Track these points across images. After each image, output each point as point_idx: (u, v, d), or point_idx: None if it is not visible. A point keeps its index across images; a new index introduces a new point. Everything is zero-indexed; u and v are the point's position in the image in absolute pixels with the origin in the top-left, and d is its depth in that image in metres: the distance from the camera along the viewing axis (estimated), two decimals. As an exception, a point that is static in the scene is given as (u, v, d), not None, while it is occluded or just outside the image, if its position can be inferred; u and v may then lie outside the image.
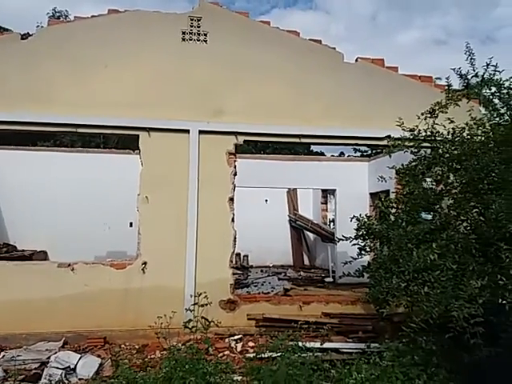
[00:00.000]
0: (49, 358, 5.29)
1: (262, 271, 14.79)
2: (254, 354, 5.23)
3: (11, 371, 4.90)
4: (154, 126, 6.57)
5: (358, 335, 6.16)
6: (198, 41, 6.85)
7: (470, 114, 5.37)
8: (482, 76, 5.44)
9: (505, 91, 5.36)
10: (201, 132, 6.69)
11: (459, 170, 4.92)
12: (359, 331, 6.25)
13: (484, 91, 5.61)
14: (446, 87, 5.52)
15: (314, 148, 25.61)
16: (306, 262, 16.62)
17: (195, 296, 6.03)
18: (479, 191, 4.59)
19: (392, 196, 6.69)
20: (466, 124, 5.29)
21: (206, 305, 5.67)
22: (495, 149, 4.79)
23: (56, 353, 5.41)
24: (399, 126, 5.22)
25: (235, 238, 6.81)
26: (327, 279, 12.63)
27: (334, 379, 4.40)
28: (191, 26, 6.83)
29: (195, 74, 6.81)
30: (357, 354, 5.15)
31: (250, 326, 6.59)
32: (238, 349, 5.94)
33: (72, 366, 5.15)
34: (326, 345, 5.51)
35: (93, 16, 6.77)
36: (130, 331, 6.25)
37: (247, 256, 15.77)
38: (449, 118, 5.29)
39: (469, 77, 6.50)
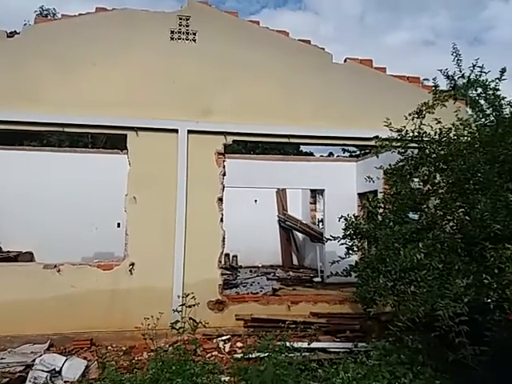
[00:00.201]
0: (34, 360, 5.20)
1: (251, 271, 14.79)
2: (242, 355, 5.21)
3: (-5, 374, 4.82)
4: (142, 126, 6.51)
5: (346, 335, 6.17)
6: (187, 40, 6.82)
7: (457, 115, 5.43)
8: (469, 77, 5.51)
9: (490, 92, 5.43)
10: (189, 132, 6.66)
11: (446, 171, 4.97)
12: (347, 331, 6.27)
13: (470, 92, 5.68)
14: (433, 88, 5.58)
15: (303, 148, 25.70)
16: (295, 261, 16.66)
17: (183, 297, 6.00)
18: (465, 191, 4.65)
19: (380, 196, 6.73)
20: (453, 124, 5.35)
21: (194, 305, 5.65)
22: (481, 149, 4.86)
23: (41, 355, 5.32)
24: (387, 126, 5.26)
25: (224, 238, 6.79)
26: (316, 279, 12.67)
27: (322, 379, 4.41)
28: (180, 25, 6.79)
29: (184, 74, 6.78)
30: (344, 354, 5.19)
31: (238, 326, 6.57)
32: (226, 349, 5.92)
33: (57, 369, 5.07)
34: (314, 344, 5.52)
35: (80, 14, 6.69)
36: (117, 333, 6.17)
37: (236, 256, 15.76)
38: (436, 119, 5.35)
39: (456, 78, 6.59)
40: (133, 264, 6.39)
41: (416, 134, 5.30)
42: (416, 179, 5.40)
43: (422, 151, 5.36)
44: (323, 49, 7.27)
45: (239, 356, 5.29)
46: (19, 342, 5.82)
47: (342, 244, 5.45)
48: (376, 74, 7.35)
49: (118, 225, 10.55)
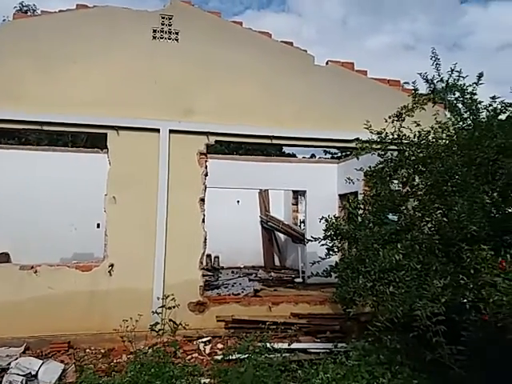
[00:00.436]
0: (9, 364, 5.10)
1: (232, 272, 14.75)
2: (222, 356, 5.20)
3: (-32, 378, 4.70)
4: (123, 125, 6.44)
5: (326, 335, 6.22)
6: (170, 39, 6.77)
7: (436, 118, 5.53)
8: (447, 81, 5.62)
9: (468, 96, 5.54)
10: (171, 131, 6.61)
11: (424, 173, 5.04)
12: (327, 331, 6.31)
13: (449, 96, 5.79)
14: (413, 91, 5.66)
15: (285, 149, 25.78)
16: (277, 262, 16.68)
17: (163, 298, 5.94)
18: (443, 193, 4.72)
19: (360, 197, 6.80)
20: (432, 127, 5.44)
21: (174, 307, 5.60)
22: (458, 152, 4.94)
23: (17, 359, 5.23)
24: (367, 128, 5.32)
25: (206, 239, 6.76)
26: (297, 279, 12.71)
27: (301, 379, 4.43)
28: (162, 25, 6.74)
29: (166, 73, 6.73)
30: (324, 354, 5.22)
31: (219, 327, 6.55)
32: (207, 351, 5.89)
33: (33, 373, 4.98)
34: (294, 345, 5.54)
35: (61, 11, 6.57)
36: (95, 335, 6.09)
37: (218, 257, 15.71)
38: (415, 122, 5.43)
39: (435, 82, 6.71)
40: (112, 265, 6.31)
41: (395, 136, 5.37)
42: (395, 181, 5.47)
43: (402, 153, 5.43)
44: (305, 51, 7.31)
45: (219, 358, 5.27)
46: (-6, 345, 5.68)
47: (323, 245, 5.49)
48: (357, 76, 7.43)
49: (98, 225, 10.38)
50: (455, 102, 5.72)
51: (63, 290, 6.16)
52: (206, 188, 6.82)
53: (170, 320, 5.59)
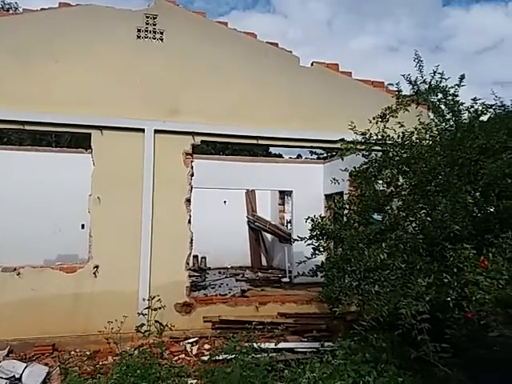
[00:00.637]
0: (-8, 367, 5.01)
1: (219, 273, 14.72)
2: (209, 357, 5.19)
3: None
4: (107, 125, 6.37)
5: (313, 334, 6.25)
6: (154, 39, 6.73)
7: (419, 119, 5.60)
8: (430, 83, 5.70)
9: (450, 98, 5.62)
10: (156, 131, 6.57)
11: (408, 173, 5.11)
12: (314, 330, 6.35)
13: (431, 97, 5.87)
14: (397, 93, 5.73)
15: (272, 150, 25.82)
16: (264, 262, 16.71)
17: (149, 299, 5.90)
18: (426, 193, 4.79)
19: (345, 197, 6.85)
20: (415, 128, 5.52)
21: (160, 308, 5.57)
22: (441, 153, 5.02)
23: (0, 362, 5.12)
24: (351, 129, 5.36)
25: (192, 239, 6.73)
26: (284, 279, 12.76)
27: (288, 379, 4.44)
28: (147, 24, 6.69)
29: (151, 72, 6.68)
30: (311, 353, 5.25)
31: (206, 328, 6.53)
32: (194, 352, 5.87)
33: (17, 376, 4.93)
34: (281, 345, 5.56)
35: (42, 9, 6.48)
36: (80, 337, 6.02)
37: (205, 258, 15.66)
38: (399, 123, 5.50)
39: (418, 83, 6.80)
40: (97, 266, 6.24)
41: (380, 137, 5.43)
42: (380, 181, 5.53)
43: (386, 154, 5.49)
44: (291, 52, 7.34)
45: (206, 358, 5.26)
46: (-25, 348, 5.58)
47: (309, 244, 5.52)
48: (342, 78, 7.49)
49: (83, 226, 10.25)
50: (438, 103, 5.81)
51: (47, 291, 6.07)
52: (192, 188, 6.79)
53: (156, 321, 5.55)
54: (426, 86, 6.24)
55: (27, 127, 6.28)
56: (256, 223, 16.28)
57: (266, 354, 4.85)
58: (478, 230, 4.39)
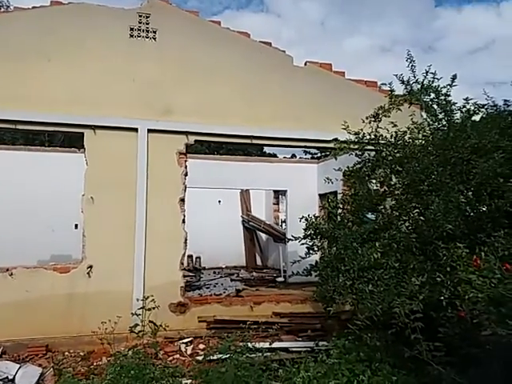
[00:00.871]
0: (-16, 369, 4.98)
1: (214, 273, 14.71)
2: (203, 357, 5.18)
3: None
4: (100, 124, 6.34)
5: (307, 334, 6.26)
6: (147, 38, 6.70)
7: (412, 119, 5.63)
8: (422, 83, 5.73)
9: (442, 98, 5.65)
10: (150, 131, 6.54)
11: (401, 172, 5.13)
12: (308, 330, 6.36)
13: (424, 97, 5.90)
14: (389, 92, 5.75)
15: (266, 149, 25.82)
16: (259, 262, 16.72)
17: (143, 300, 5.88)
18: (419, 192, 4.81)
19: (339, 197, 6.87)
20: (408, 128, 5.54)
21: (154, 308, 5.55)
22: (434, 152, 5.04)
23: (-7, 363, 5.10)
24: (344, 129, 5.37)
25: (186, 239, 6.72)
26: (279, 279, 12.76)
27: (283, 378, 4.44)
28: (140, 23, 6.67)
29: (144, 72, 6.65)
30: (305, 353, 5.26)
31: (201, 328, 6.53)
32: (189, 352, 5.87)
33: (10, 377, 4.90)
34: (276, 344, 5.56)
35: (34, 7, 6.43)
36: (74, 338, 6.00)
37: (200, 258, 15.64)
38: (392, 122, 5.52)
39: (411, 83, 6.83)
40: (91, 266, 6.21)
41: (373, 136, 5.45)
42: (373, 181, 5.55)
43: (379, 154, 5.51)
44: (284, 51, 7.34)
45: (201, 358, 5.26)
46: (-32, 350, 5.54)
47: (303, 244, 5.53)
48: (335, 77, 7.51)
49: (76, 226, 10.21)
50: (430, 103, 5.84)
51: (40, 292, 6.04)
52: (185, 188, 6.78)
53: (151, 321, 5.53)
54: (419, 86, 6.29)
55: (19, 126, 6.23)
56: (251, 223, 16.28)
57: (260, 354, 4.84)
58: (471, 229, 4.41)
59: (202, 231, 13.03)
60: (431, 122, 5.71)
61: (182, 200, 6.72)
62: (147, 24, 6.69)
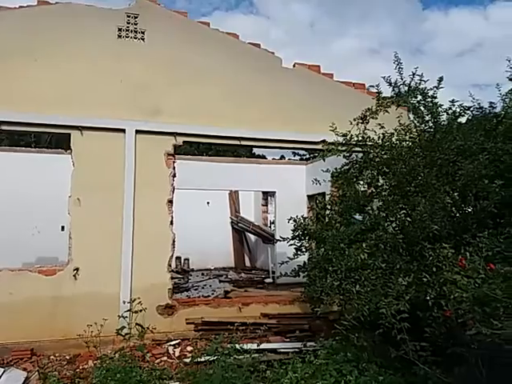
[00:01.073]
0: (-33, 373, 4.89)
1: (203, 274, 14.66)
2: (191, 359, 5.16)
3: None
4: (87, 125, 6.27)
5: (296, 334, 6.27)
6: (135, 38, 6.66)
7: (399, 121, 5.68)
8: (409, 85, 5.79)
9: (429, 100, 5.72)
10: (138, 132, 6.50)
11: (388, 174, 5.17)
12: (296, 330, 6.37)
13: (411, 99, 5.96)
14: (377, 94, 5.79)
15: (256, 151, 25.82)
16: (248, 263, 16.71)
17: (130, 302, 5.84)
18: (406, 193, 4.86)
19: (327, 198, 6.90)
20: (395, 130, 5.59)
21: (141, 310, 5.51)
22: (421, 154, 5.10)
23: (-24, 368, 5.01)
24: (332, 130, 5.40)
25: (174, 241, 6.68)
26: (267, 280, 12.78)
27: (271, 380, 4.44)
28: (128, 23, 6.62)
29: (132, 72, 6.61)
30: (293, 354, 5.25)
31: (189, 330, 6.49)
32: (176, 354, 5.82)
33: (-6, 381, 4.80)
34: (264, 345, 5.56)
35: (21, 7, 6.35)
36: (60, 341, 5.91)
37: (188, 259, 15.57)
38: (379, 124, 5.56)
39: (398, 85, 6.89)
40: (77, 269, 6.14)
41: (360, 138, 5.48)
42: (361, 182, 5.58)
43: (366, 155, 5.55)
44: (273, 53, 7.36)
45: (188, 360, 5.23)
46: (-49, 354, 5.43)
47: (291, 245, 5.54)
48: (324, 79, 7.55)
49: (63, 228, 10.08)
50: (417, 104, 5.91)
51: (25, 295, 5.95)
52: (174, 189, 6.74)
53: (138, 324, 5.50)
54: (406, 88, 6.37)
55: (4, 127, 6.13)
56: (239, 224, 16.26)
57: (248, 355, 4.84)
58: (456, 230, 4.47)
59: (191, 233, 12.96)
60: (418, 124, 5.77)
61: (170, 201, 6.69)
62: (135, 24, 6.65)
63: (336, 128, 5.44)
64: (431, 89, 5.79)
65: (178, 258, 14.88)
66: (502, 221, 4.40)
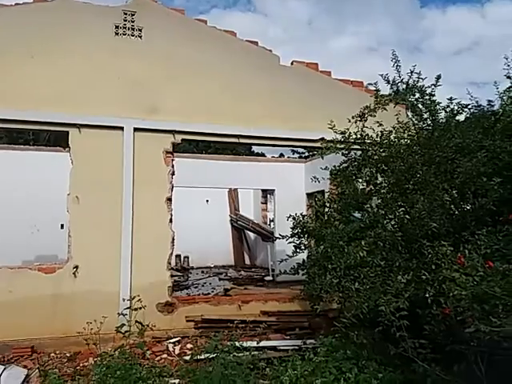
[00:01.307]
0: (-32, 371, 4.90)
1: (202, 272, 14.68)
2: (191, 356, 5.17)
3: None
4: (85, 123, 6.27)
5: (295, 332, 6.29)
6: (133, 36, 6.65)
7: (397, 118, 5.68)
8: (407, 83, 5.78)
9: (427, 97, 5.71)
10: (136, 129, 6.49)
11: (387, 171, 5.17)
12: (296, 328, 6.38)
13: (409, 97, 5.95)
14: (375, 92, 5.79)
15: (255, 149, 25.83)
16: (247, 261, 16.73)
17: (130, 300, 5.85)
18: (405, 191, 4.86)
19: (326, 196, 6.90)
20: (393, 127, 5.59)
21: (141, 308, 5.52)
22: (419, 151, 5.10)
23: (-23, 365, 5.02)
24: (331, 128, 5.40)
25: (173, 239, 6.68)
26: (267, 278, 12.80)
27: (270, 377, 4.46)
28: (125, 21, 6.61)
29: (130, 70, 6.60)
30: (293, 351, 5.27)
31: (188, 328, 6.51)
32: (176, 351, 5.84)
33: (-5, 379, 4.81)
34: (264, 343, 5.57)
35: (17, 4, 6.33)
36: (61, 339, 5.93)
37: (188, 257, 15.59)
38: (378, 122, 5.56)
39: (396, 83, 6.89)
40: (77, 267, 6.15)
41: (359, 136, 5.48)
42: (360, 180, 5.58)
43: (365, 153, 5.55)
44: (271, 51, 7.35)
45: (188, 358, 5.24)
46: (-49, 352, 5.44)
47: (290, 242, 5.54)
48: (322, 77, 7.55)
49: (62, 226, 10.08)
50: (415, 102, 5.91)
51: (25, 293, 5.96)
52: (172, 187, 6.74)
53: (137, 321, 5.50)
54: (404, 86, 6.37)
55: (2, 125, 6.13)
56: (239, 222, 16.28)
57: (248, 353, 4.84)
58: (455, 228, 4.47)
59: (190, 230, 12.99)
60: (416, 122, 5.77)
61: (169, 199, 6.69)
62: (132, 22, 6.64)
63: (334, 126, 5.44)
64: (429, 87, 5.80)
65: (178, 256, 14.91)
66: (501, 218, 4.41)
